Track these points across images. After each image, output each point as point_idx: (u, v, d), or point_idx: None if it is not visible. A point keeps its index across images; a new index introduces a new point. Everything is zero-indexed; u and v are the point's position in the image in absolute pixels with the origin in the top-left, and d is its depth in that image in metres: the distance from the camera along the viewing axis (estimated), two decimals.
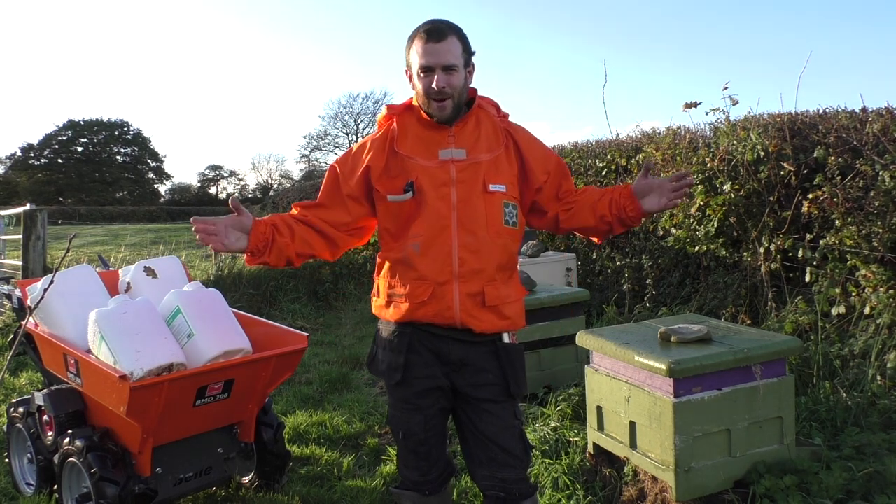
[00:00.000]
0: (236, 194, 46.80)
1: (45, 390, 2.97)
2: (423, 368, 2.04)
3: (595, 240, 2.27)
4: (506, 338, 2.08)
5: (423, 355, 2.04)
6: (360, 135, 47.56)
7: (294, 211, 2.11)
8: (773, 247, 4.46)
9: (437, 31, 1.95)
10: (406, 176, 2.00)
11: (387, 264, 2.07)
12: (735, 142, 4.75)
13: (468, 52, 2.02)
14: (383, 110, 2.13)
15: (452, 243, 1.97)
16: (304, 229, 2.06)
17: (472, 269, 1.98)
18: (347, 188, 2.07)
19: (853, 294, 3.84)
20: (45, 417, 2.97)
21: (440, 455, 2.15)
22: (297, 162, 72.34)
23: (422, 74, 1.97)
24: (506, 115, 2.17)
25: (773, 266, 4.49)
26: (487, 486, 2.05)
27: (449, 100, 1.97)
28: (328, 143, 50.14)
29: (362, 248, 9.09)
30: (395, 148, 2.04)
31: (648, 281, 5.61)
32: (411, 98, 2.10)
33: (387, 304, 2.08)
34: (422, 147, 2.03)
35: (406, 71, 2.06)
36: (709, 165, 4.88)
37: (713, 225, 4.81)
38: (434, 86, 1.95)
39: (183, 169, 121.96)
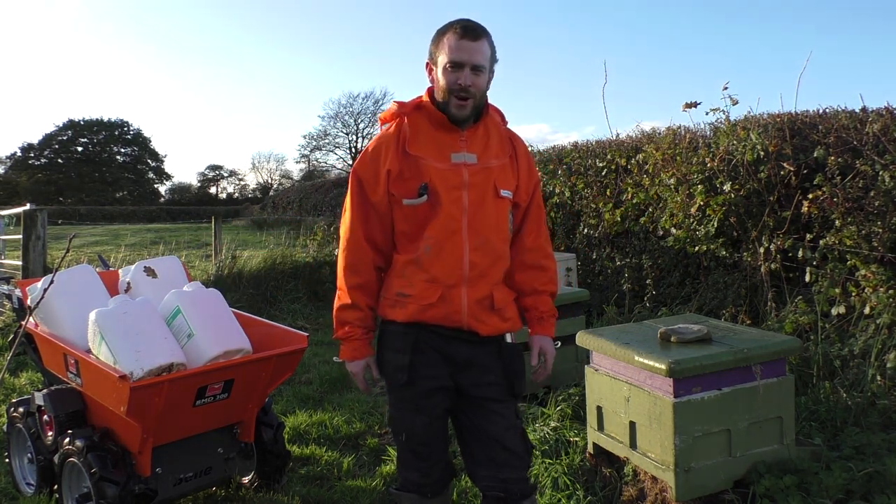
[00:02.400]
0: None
1: (45, 390, 2.96)
2: (429, 369, 2.04)
3: None
4: (508, 338, 2.10)
5: (428, 355, 2.04)
6: (360, 135, 47.49)
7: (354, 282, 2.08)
8: (773, 247, 4.46)
9: (472, 30, 1.96)
10: (420, 178, 1.99)
11: (398, 264, 2.06)
12: (735, 142, 4.75)
13: (494, 58, 2.04)
14: (392, 106, 2.10)
15: (463, 246, 1.98)
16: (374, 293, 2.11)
17: (482, 272, 2.00)
18: (376, 197, 2.04)
19: (853, 294, 3.84)
20: (45, 417, 2.97)
21: (441, 456, 2.15)
22: (297, 162, 72.33)
23: (449, 69, 1.96)
24: (506, 124, 2.18)
25: (773, 266, 4.49)
26: (488, 486, 2.05)
27: (471, 100, 1.98)
28: (328, 143, 50.09)
29: None
30: (406, 149, 2.02)
31: (648, 281, 5.61)
32: (421, 97, 2.08)
33: (393, 303, 2.06)
34: (434, 149, 2.01)
35: (427, 64, 2.05)
36: (709, 165, 4.88)
37: (713, 225, 4.81)
38: (461, 82, 1.94)
39: (183, 169, 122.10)
